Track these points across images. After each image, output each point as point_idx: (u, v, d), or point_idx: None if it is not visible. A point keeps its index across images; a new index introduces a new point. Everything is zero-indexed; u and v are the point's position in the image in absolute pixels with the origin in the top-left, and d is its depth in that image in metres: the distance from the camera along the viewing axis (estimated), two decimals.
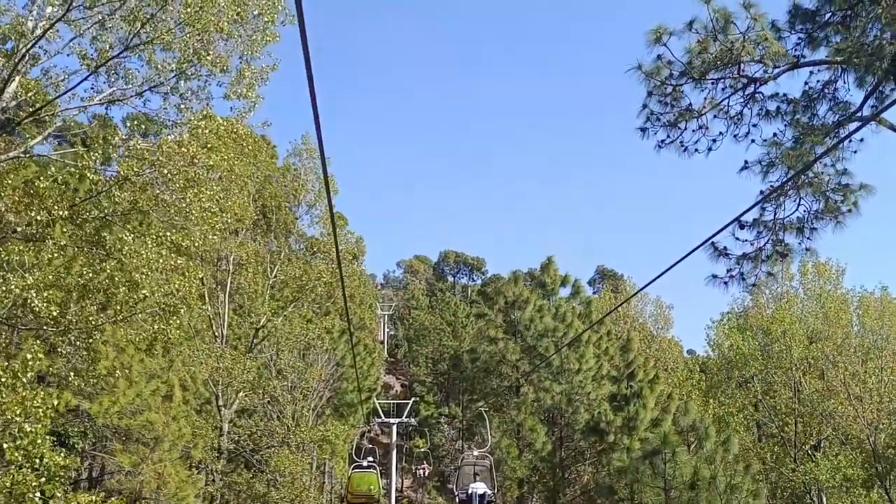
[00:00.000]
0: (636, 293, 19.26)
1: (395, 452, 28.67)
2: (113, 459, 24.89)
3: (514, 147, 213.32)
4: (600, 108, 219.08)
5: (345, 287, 9.94)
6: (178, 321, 15.64)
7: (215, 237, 16.92)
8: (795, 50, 15.83)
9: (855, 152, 15.96)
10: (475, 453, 24.81)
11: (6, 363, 12.10)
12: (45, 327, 14.75)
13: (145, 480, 24.14)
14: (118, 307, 14.94)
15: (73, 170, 14.15)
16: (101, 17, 15.26)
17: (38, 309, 13.39)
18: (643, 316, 59.29)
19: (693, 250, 9.23)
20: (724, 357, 43.05)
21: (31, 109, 15.72)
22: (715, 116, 16.20)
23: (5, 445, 11.74)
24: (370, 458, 28.75)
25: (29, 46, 14.19)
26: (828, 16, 15.87)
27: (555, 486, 33.27)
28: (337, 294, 41.56)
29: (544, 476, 33.96)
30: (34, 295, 13.14)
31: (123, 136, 15.76)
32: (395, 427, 30.05)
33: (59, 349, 15.49)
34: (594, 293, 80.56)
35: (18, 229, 13.61)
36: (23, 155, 15.61)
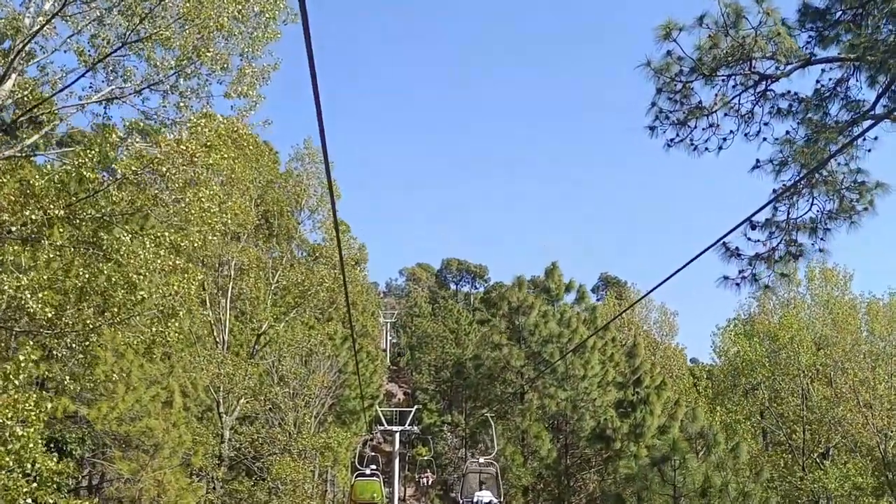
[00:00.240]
0: (644, 296, 18.89)
1: (397, 460, 28.29)
2: (112, 467, 24.50)
3: (516, 150, 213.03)
4: (603, 110, 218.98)
5: (348, 293, 9.62)
6: (177, 324, 15.26)
7: (215, 238, 16.59)
8: (806, 49, 15.50)
9: (869, 151, 15.59)
10: (480, 460, 24.34)
11: None
12: (40, 330, 14.40)
13: (144, 488, 23.73)
14: (115, 309, 14.59)
15: (69, 167, 13.82)
16: (99, 14, 14.97)
17: (32, 311, 13.04)
18: (648, 323, 58.82)
19: (705, 250, 8.86)
20: (730, 364, 42.58)
21: (31, 110, 15.40)
22: (725, 114, 15.84)
23: None
24: (373, 466, 28.38)
25: (25, 42, 13.89)
26: (838, 14, 15.55)
27: (560, 495, 32.81)
28: (339, 300, 41.24)
29: (549, 484, 33.51)
30: (28, 296, 12.79)
31: (122, 135, 15.42)
32: (397, 435, 29.69)
33: (55, 352, 15.12)
34: (598, 300, 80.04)
35: (13, 229, 13.26)
36: (19, 154, 15.30)
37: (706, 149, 16.07)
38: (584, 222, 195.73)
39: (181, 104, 15.79)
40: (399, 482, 33.18)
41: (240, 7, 16.09)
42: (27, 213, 12.96)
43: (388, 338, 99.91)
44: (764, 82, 15.56)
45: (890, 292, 40.08)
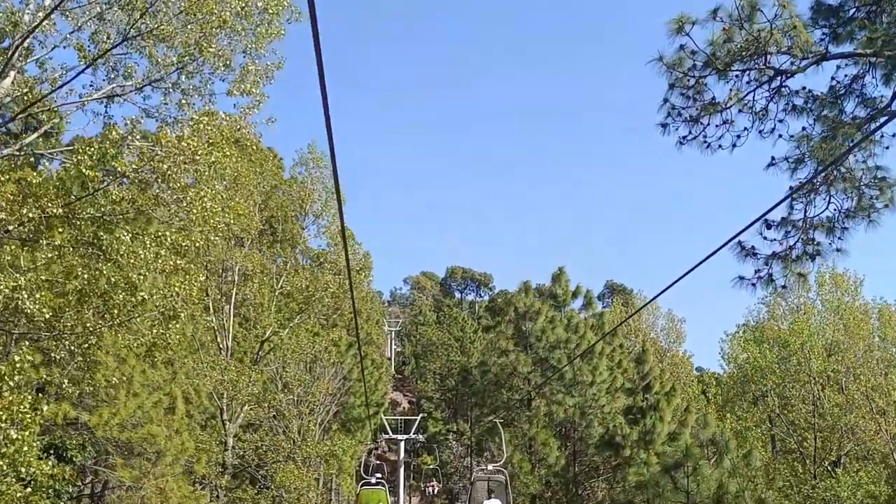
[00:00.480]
0: (656, 297, 18.45)
1: (402, 469, 27.95)
2: (114, 474, 24.12)
3: (520, 154, 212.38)
4: (605, 110, 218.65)
5: (354, 298, 9.32)
6: (178, 325, 14.89)
7: (217, 238, 16.26)
8: (819, 45, 15.19)
9: (887, 148, 15.25)
10: (489, 467, 23.79)
11: None
12: (38, 332, 14.05)
13: (147, 496, 23.31)
14: (115, 311, 14.24)
15: (68, 165, 13.50)
16: (99, 9, 14.68)
17: (29, 312, 12.70)
18: (655, 330, 58.33)
19: (719, 248, 8.46)
20: (740, 370, 42.06)
21: (30, 106, 15.08)
22: (739, 111, 15.49)
23: None
24: (378, 475, 28.05)
25: (24, 37, 13.60)
26: (851, 11, 15.24)
27: (569, 503, 32.31)
28: (344, 306, 40.88)
29: (558, 492, 33.02)
30: (25, 296, 12.44)
31: (122, 133, 15.10)
32: (402, 443, 29.33)
33: (54, 356, 14.77)
34: (604, 308, 79.49)
35: (10, 228, 12.93)
36: (18, 153, 15.00)
37: (720, 146, 15.73)
38: (589, 227, 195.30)
39: (183, 101, 15.48)
40: (404, 491, 32.74)
41: (243, 4, 15.82)
42: (24, 210, 12.62)
43: (393, 347, 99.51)
44: (779, 78, 15.21)
45: None
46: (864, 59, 14.99)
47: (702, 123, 15.60)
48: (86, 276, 13.90)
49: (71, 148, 14.86)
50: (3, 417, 10.49)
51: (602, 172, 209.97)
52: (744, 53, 14.75)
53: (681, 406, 29.77)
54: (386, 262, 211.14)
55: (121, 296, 14.20)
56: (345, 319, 43.63)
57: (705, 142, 15.69)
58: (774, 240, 14.97)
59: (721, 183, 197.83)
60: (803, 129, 14.92)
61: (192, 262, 16.86)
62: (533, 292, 37.94)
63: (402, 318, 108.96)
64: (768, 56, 14.78)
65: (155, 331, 14.81)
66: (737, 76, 15.10)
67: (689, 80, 15.00)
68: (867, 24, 14.75)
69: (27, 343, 12.58)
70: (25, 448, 10.83)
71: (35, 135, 15.00)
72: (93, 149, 13.21)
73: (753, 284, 15.06)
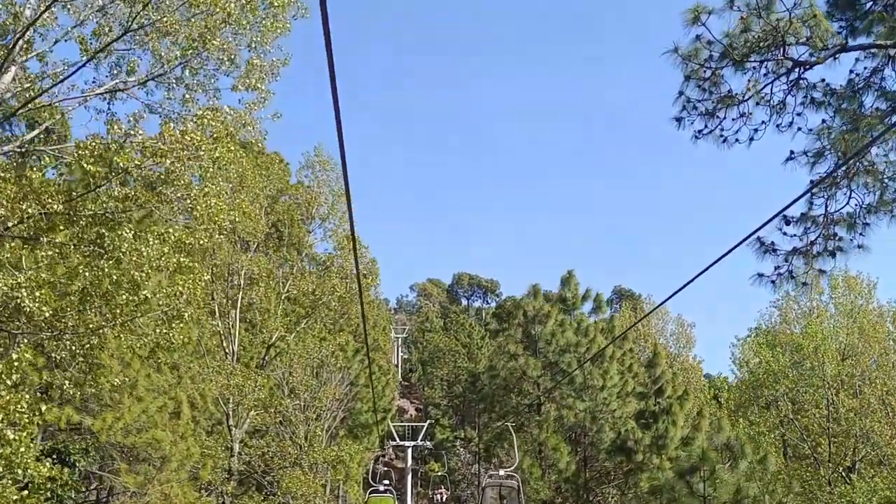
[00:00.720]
0: (670, 297, 17.98)
1: (410, 476, 27.59)
2: (119, 480, 23.76)
3: (525, 157, 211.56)
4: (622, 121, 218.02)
5: (363, 300, 8.98)
6: (181, 325, 14.53)
7: (222, 237, 15.91)
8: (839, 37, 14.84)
9: None
10: (500, 473, 23.26)
11: None
12: (39, 332, 13.71)
13: (152, 502, 22.96)
14: (118, 311, 13.89)
15: (70, 161, 13.19)
16: (101, 2, 14.39)
17: (29, 310, 12.36)
18: (664, 335, 57.79)
19: (738, 244, 8.10)
20: (752, 375, 41.49)
21: (30, 101, 14.78)
22: (757, 104, 15.10)
23: None
24: (386, 482, 27.76)
25: (24, 30, 13.31)
26: (868, 4, 14.90)
27: None
28: (350, 311, 40.52)
29: (568, 498, 32.49)
30: (25, 294, 12.10)
31: (127, 130, 14.78)
32: (409, 450, 28.99)
33: (54, 356, 14.42)
34: (612, 313, 78.91)
35: (10, 224, 12.60)
36: (18, 150, 14.69)
37: (736, 140, 15.35)
38: (597, 233, 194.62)
39: (187, 97, 15.17)
40: (412, 498, 32.30)
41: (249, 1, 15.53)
42: (24, 206, 12.29)
43: (400, 354, 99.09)
44: (797, 69, 14.82)
45: None
46: (883, 51, 14.62)
47: (718, 117, 15.23)
48: (87, 275, 13.55)
49: (72, 144, 14.55)
50: (0, 417, 10.15)
51: (610, 177, 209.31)
52: (761, 44, 14.38)
53: (693, 410, 29.29)
54: (392, 271, 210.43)
55: (124, 296, 13.86)
56: (351, 324, 43.26)
57: (722, 136, 15.30)
58: (794, 235, 14.55)
59: (725, 186, 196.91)
60: (823, 121, 14.53)
61: (197, 262, 16.51)
62: (542, 297, 37.52)
63: (409, 325, 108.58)
64: (786, 47, 14.42)
65: (158, 331, 14.44)
66: (754, 68, 14.72)
67: (705, 72, 14.63)
68: (886, 17, 14.41)
69: (25, 340, 12.25)
70: (22, 449, 10.48)
71: (36, 131, 14.69)
72: (95, 143, 12.88)
73: (773, 281, 14.62)
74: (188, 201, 14.34)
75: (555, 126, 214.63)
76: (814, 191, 14.86)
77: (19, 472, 10.57)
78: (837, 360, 36.76)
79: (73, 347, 13.91)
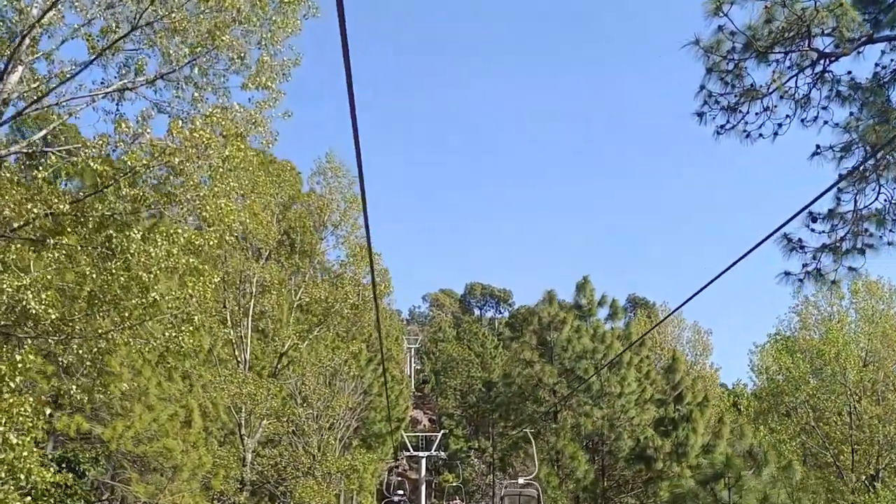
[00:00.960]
0: (689, 300, 17.42)
1: (423, 487, 27.08)
2: (129, 489, 23.40)
3: (533, 161, 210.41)
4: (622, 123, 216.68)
5: (378, 306, 8.62)
6: (191, 329, 14.17)
7: (233, 238, 15.59)
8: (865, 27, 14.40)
9: None
10: (520, 481, 22.64)
11: None
12: (45, 336, 13.38)
13: None
14: (126, 314, 13.55)
15: (77, 160, 12.89)
16: (109, 1, 14.12)
17: (35, 313, 12.03)
18: (681, 342, 57.05)
19: (763, 241, 7.67)
20: (772, 381, 40.74)
21: (36, 101, 14.51)
22: (781, 97, 14.65)
23: None
24: (400, 492, 27.31)
25: (30, 27, 13.05)
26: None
27: None
28: (363, 320, 40.14)
29: None
30: (30, 297, 11.78)
31: (135, 130, 14.49)
32: (423, 461, 28.55)
33: (62, 360, 14.09)
34: (628, 321, 78.11)
35: (15, 225, 12.30)
36: (25, 150, 14.42)
37: (760, 135, 14.91)
38: (595, 233, 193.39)
39: (196, 96, 14.87)
40: None
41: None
42: (30, 206, 11.99)
43: (413, 364, 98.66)
44: (822, 62, 14.38)
45: None
46: None
47: (741, 111, 14.80)
48: (95, 277, 13.23)
49: (79, 145, 14.25)
50: (3, 421, 9.81)
51: (610, 178, 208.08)
52: (786, 35, 13.95)
53: (713, 417, 28.67)
54: (405, 281, 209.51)
55: (133, 300, 13.54)
56: (364, 333, 42.87)
57: (745, 131, 14.85)
58: (823, 232, 14.06)
59: (725, 186, 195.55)
60: (851, 114, 14.07)
61: (207, 265, 16.17)
62: (556, 303, 37.01)
63: (421, 336, 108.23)
64: (812, 38, 13.98)
65: (168, 335, 14.08)
66: (778, 60, 14.29)
67: (727, 65, 14.20)
68: None
69: (29, 342, 11.92)
70: (26, 454, 10.13)
71: (43, 132, 14.42)
72: (102, 142, 12.59)
73: (801, 280, 14.12)
74: (197, 202, 14.01)
75: (555, 126, 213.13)
76: (841, 186, 14.40)
77: (22, 477, 10.22)
78: (859, 367, 36.05)
79: (81, 352, 13.58)
